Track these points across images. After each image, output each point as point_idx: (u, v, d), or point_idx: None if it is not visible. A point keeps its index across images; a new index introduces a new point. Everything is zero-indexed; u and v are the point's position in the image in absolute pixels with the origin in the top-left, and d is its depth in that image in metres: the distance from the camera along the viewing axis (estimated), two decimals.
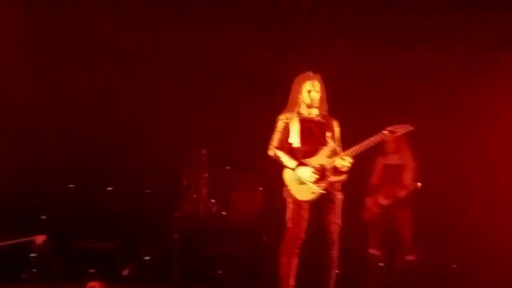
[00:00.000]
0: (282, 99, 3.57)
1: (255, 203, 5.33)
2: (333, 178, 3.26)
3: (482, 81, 5.62)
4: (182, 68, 5.86)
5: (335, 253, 3.23)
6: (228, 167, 5.69)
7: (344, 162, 3.22)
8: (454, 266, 5.30)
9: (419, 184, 4.24)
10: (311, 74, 3.44)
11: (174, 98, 5.81)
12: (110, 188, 5.78)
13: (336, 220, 3.27)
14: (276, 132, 3.44)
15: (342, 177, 3.29)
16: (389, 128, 3.28)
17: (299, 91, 3.43)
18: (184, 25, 5.19)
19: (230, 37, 5.35)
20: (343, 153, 3.27)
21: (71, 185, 5.71)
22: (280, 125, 3.44)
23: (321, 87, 3.43)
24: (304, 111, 3.46)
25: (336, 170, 3.29)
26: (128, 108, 5.76)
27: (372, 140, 3.25)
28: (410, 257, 4.42)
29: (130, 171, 5.72)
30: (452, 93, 5.80)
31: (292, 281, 3.20)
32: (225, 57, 5.69)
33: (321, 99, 3.42)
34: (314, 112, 3.46)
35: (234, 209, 5.36)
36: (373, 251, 4.55)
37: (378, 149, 4.46)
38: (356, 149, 3.23)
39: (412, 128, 3.36)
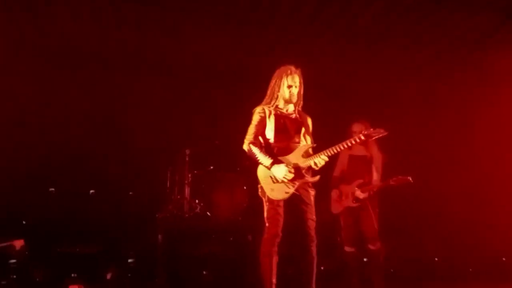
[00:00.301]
0: (262, 96, 3.55)
1: (239, 202, 5.32)
2: (309, 179, 3.30)
3: (460, 78, 5.74)
4: (163, 69, 5.83)
5: (314, 248, 3.26)
6: (212, 167, 5.68)
7: (320, 161, 3.25)
8: (436, 259, 5.41)
9: (410, 178, 4.16)
10: (292, 68, 3.44)
11: (156, 99, 5.79)
12: (92, 191, 5.70)
13: (312, 216, 3.31)
14: (252, 126, 3.43)
15: (316, 178, 3.33)
16: (365, 133, 3.36)
17: (279, 86, 3.43)
18: (166, 26, 5.17)
19: (213, 37, 5.35)
20: (319, 154, 3.29)
21: (51, 189, 5.61)
22: (255, 118, 3.43)
23: (300, 83, 3.44)
24: (281, 106, 3.46)
25: (309, 170, 3.32)
26: (110, 110, 5.72)
27: (347, 142, 3.31)
28: (373, 246, 4.31)
29: (112, 173, 5.66)
30: (429, 91, 5.91)
31: (274, 279, 3.22)
32: (208, 57, 5.69)
33: (298, 94, 3.43)
34: (291, 108, 3.47)
35: (218, 209, 5.33)
36: (348, 248, 4.44)
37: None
38: (332, 150, 3.27)
39: (386, 133, 3.42)
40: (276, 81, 3.45)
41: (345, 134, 4.39)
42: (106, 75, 5.71)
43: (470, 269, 5.13)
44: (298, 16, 4.92)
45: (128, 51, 5.62)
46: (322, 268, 4.80)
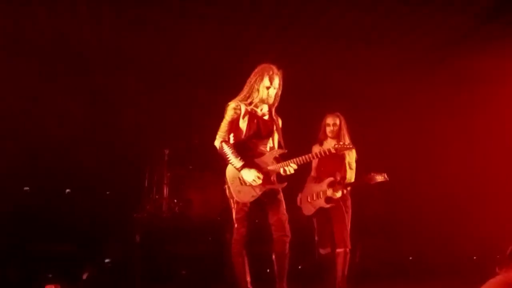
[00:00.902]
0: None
1: (218, 202, 5.32)
2: (276, 186, 3.32)
3: (438, 78, 5.87)
4: (142, 67, 5.77)
5: (287, 244, 3.28)
6: (191, 167, 5.66)
7: (290, 169, 3.27)
8: (410, 258, 5.54)
9: (385, 175, 3.96)
10: (274, 69, 3.38)
11: (135, 97, 5.72)
12: (68, 190, 5.60)
13: (284, 212, 3.32)
14: (225, 122, 3.36)
15: (283, 185, 3.36)
16: (336, 146, 3.44)
17: (258, 84, 3.37)
18: (145, 24, 5.11)
19: (193, 35, 5.31)
20: (289, 161, 3.30)
21: (26, 188, 5.49)
22: (230, 114, 3.36)
23: (280, 84, 3.40)
24: (257, 105, 3.41)
25: (279, 175, 3.34)
26: (87, 108, 5.62)
27: (318, 154, 3.40)
28: (341, 249, 4.05)
29: (89, 172, 5.57)
30: (407, 91, 6.03)
31: (248, 277, 3.25)
32: (187, 56, 5.65)
33: (276, 96, 3.39)
34: (265, 108, 3.43)
35: (197, 209, 5.33)
36: (323, 250, 4.27)
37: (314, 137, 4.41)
38: (301, 159, 3.30)
39: (352, 147, 3.60)
40: (256, 79, 3.38)
41: (319, 127, 4.37)
42: (82, 72, 5.61)
43: (443, 268, 5.26)
44: (279, 15, 4.95)
45: (106, 48, 5.54)
46: (299, 267, 4.85)
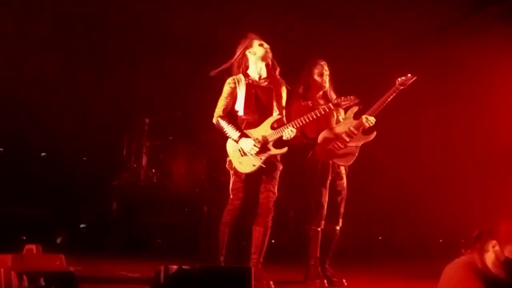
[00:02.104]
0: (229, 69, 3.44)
1: (197, 174, 5.36)
2: (274, 151, 3.28)
3: (423, 66, 5.95)
4: (125, 34, 5.64)
5: (269, 220, 3.30)
6: (171, 138, 5.64)
7: (290, 133, 3.23)
8: (380, 237, 5.74)
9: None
10: (258, 36, 3.38)
11: (118, 64, 5.60)
12: (43, 154, 5.52)
13: (273, 189, 3.33)
14: (222, 99, 3.36)
15: (283, 150, 3.30)
16: (334, 102, 3.36)
17: (248, 46, 3.34)
18: None
19: (178, 5, 5.21)
20: (286, 125, 3.26)
21: (0, 149, 5.37)
22: (226, 90, 3.36)
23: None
24: (253, 72, 3.38)
25: (278, 141, 3.29)
26: (67, 72, 5.47)
27: (316, 113, 3.31)
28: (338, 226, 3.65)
29: (66, 137, 5.49)
30: (391, 77, 6.10)
31: (224, 250, 3.27)
32: (171, 26, 5.55)
33: (271, 54, 3.34)
34: (264, 70, 3.38)
35: (175, 180, 5.35)
36: (318, 226, 3.55)
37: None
38: (299, 121, 3.27)
39: (357, 100, 3.42)
40: (245, 44, 3.36)
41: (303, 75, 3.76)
42: (63, 34, 5.44)
43: (410, 248, 5.47)
44: None
45: (89, 12, 5.38)
46: (273, 241, 4.96)
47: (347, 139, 3.48)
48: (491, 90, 5.56)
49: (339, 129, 3.55)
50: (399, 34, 5.57)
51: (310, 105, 3.52)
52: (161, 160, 5.46)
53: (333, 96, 3.68)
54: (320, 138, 3.53)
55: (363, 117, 3.48)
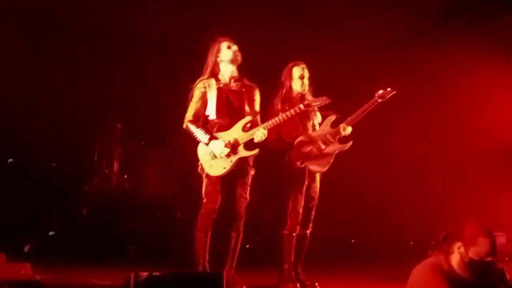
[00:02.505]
0: (198, 70, 3.45)
1: (170, 179, 5.31)
2: (245, 153, 3.27)
3: (390, 73, 6.08)
4: (96, 36, 5.56)
5: (241, 225, 3.31)
6: (143, 143, 5.58)
7: (260, 135, 3.22)
8: (353, 241, 5.81)
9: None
10: (227, 38, 3.37)
11: (89, 67, 5.50)
12: (11, 160, 5.36)
13: (244, 194, 3.33)
14: (192, 103, 3.34)
15: (254, 152, 3.29)
16: (305, 102, 3.34)
17: (218, 50, 3.33)
18: None
19: (147, 9, 5.17)
20: (258, 127, 3.26)
21: None
22: (196, 94, 3.34)
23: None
24: (224, 75, 3.36)
25: (249, 143, 3.28)
26: (35, 75, 5.34)
27: (287, 114, 3.31)
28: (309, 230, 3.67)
29: (34, 142, 5.34)
30: (361, 84, 6.22)
31: (207, 255, 3.26)
32: (144, 28, 5.51)
33: (240, 57, 3.34)
34: (235, 73, 3.37)
35: (148, 185, 5.29)
36: (292, 231, 3.54)
37: None
38: (271, 122, 3.27)
39: (329, 101, 3.40)
40: (215, 49, 3.35)
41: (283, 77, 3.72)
42: (32, 38, 5.31)
43: (382, 251, 5.56)
44: None
45: (59, 13, 5.27)
46: (247, 246, 4.95)
47: (323, 146, 3.51)
48: (458, 96, 5.74)
49: (315, 135, 3.58)
50: (371, 42, 5.69)
51: (287, 108, 3.52)
52: (133, 165, 5.39)
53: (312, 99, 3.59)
54: (296, 143, 3.56)
55: (341, 126, 3.52)
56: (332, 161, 3.57)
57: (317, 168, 3.57)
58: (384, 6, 5.00)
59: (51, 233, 4.88)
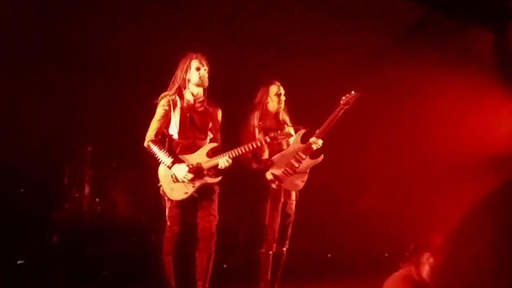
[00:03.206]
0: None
1: (143, 201, 5.22)
2: (208, 180, 3.26)
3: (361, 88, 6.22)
4: (64, 57, 5.49)
5: (212, 245, 3.28)
6: (115, 165, 5.49)
7: (225, 163, 3.21)
8: (329, 255, 5.83)
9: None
10: (198, 54, 3.34)
11: (57, 89, 5.41)
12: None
13: (213, 212, 3.30)
14: (154, 121, 3.28)
15: (217, 179, 3.28)
16: (271, 135, 3.37)
17: (185, 69, 3.28)
18: (71, 13, 4.87)
19: (118, 30, 5.16)
20: (222, 154, 3.23)
21: None
22: (159, 112, 3.28)
23: (208, 66, 3.33)
24: (189, 95, 3.31)
25: (213, 169, 3.27)
26: (2, 100, 5.21)
27: (253, 144, 3.33)
28: (285, 248, 3.72)
29: (2, 168, 5.18)
30: (335, 98, 6.34)
31: (175, 278, 3.22)
32: (113, 48, 5.47)
33: (207, 79, 3.32)
34: (200, 94, 3.33)
35: (121, 209, 5.19)
36: (268, 249, 3.60)
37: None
38: (235, 151, 3.27)
39: (292, 135, 3.50)
40: (183, 67, 3.31)
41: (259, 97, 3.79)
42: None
43: (359, 264, 5.60)
44: (214, 16, 4.97)
45: (29, 37, 5.18)
46: (224, 266, 4.90)
47: (296, 165, 3.54)
48: (428, 110, 5.91)
49: (287, 153, 3.60)
50: (341, 59, 5.83)
51: (261, 124, 3.55)
52: (105, 188, 5.28)
53: (286, 118, 3.72)
54: (269, 163, 3.56)
55: (311, 140, 3.56)
56: (306, 178, 3.61)
57: (293, 188, 3.61)
58: (350, 25, 5.14)
59: (19, 262, 4.71)
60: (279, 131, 3.43)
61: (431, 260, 2.16)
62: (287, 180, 3.55)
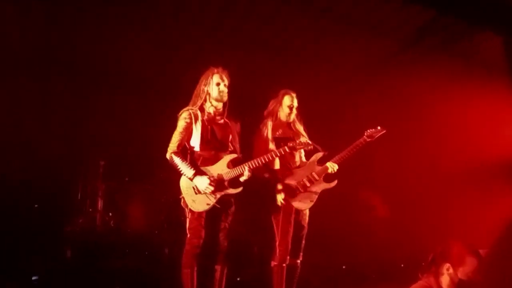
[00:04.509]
0: (183, 105, 3.47)
1: (156, 215, 5.22)
2: (230, 191, 3.26)
3: (363, 97, 6.19)
4: (77, 73, 5.56)
5: (225, 258, 3.29)
6: (127, 179, 5.51)
7: (246, 177, 3.23)
8: (344, 267, 5.75)
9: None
10: (220, 68, 3.40)
11: (68, 105, 5.47)
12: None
13: (228, 226, 3.32)
14: (176, 133, 3.31)
15: (238, 190, 3.28)
16: (290, 145, 3.36)
17: (206, 84, 3.34)
18: (82, 28, 4.93)
19: (132, 41, 5.20)
20: (242, 165, 3.25)
21: None
22: (180, 124, 3.31)
23: (228, 81, 3.38)
24: (209, 108, 3.37)
25: (234, 180, 3.29)
26: (14, 114, 5.27)
27: (272, 154, 3.34)
28: (299, 260, 3.67)
29: (15, 184, 5.22)
30: (336, 107, 6.30)
31: None
32: (125, 63, 5.53)
33: (228, 94, 3.37)
34: (220, 107, 3.37)
35: (134, 222, 5.19)
36: (282, 261, 3.49)
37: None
38: (255, 162, 3.27)
39: (311, 145, 3.47)
40: (205, 81, 3.36)
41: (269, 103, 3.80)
42: (9, 74, 5.26)
43: (374, 276, 5.51)
44: (220, 27, 5.01)
45: (37, 48, 5.25)
46: (238, 279, 4.86)
47: (308, 184, 3.51)
48: (434, 116, 5.86)
49: (301, 172, 3.57)
50: (345, 67, 5.83)
51: (277, 134, 3.53)
52: (118, 202, 5.29)
53: (300, 127, 3.71)
54: (281, 177, 3.53)
55: (328, 164, 3.54)
56: (316, 199, 3.57)
57: (300, 206, 3.57)
58: (356, 31, 5.13)
59: (34, 277, 4.72)
60: (297, 141, 3.42)
61: (451, 270, 2.10)
62: (296, 197, 3.52)
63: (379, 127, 3.56)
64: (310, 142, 3.49)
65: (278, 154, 3.36)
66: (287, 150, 3.36)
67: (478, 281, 2.02)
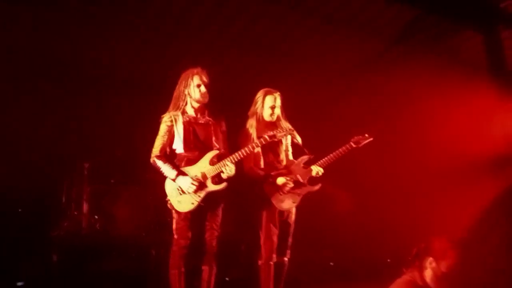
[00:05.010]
0: (167, 105, 3.46)
1: (142, 217, 5.19)
2: (212, 187, 3.24)
3: (351, 98, 6.25)
4: (61, 74, 5.50)
5: (214, 258, 3.28)
6: (113, 180, 5.47)
7: (227, 169, 3.21)
8: (331, 263, 5.81)
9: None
10: (199, 68, 3.38)
11: (52, 107, 5.41)
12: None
13: (215, 227, 3.31)
14: (158, 137, 3.32)
15: (222, 186, 3.26)
16: (270, 133, 3.33)
17: (186, 85, 3.32)
18: (66, 31, 4.88)
19: (118, 44, 5.16)
20: (224, 160, 3.24)
21: None
22: (163, 128, 3.32)
23: (208, 82, 3.37)
24: (190, 109, 3.37)
25: (217, 177, 3.27)
26: None
27: (253, 145, 3.33)
28: (286, 257, 3.69)
29: None
30: (323, 110, 6.35)
31: None
32: (109, 65, 5.49)
33: (208, 94, 3.36)
34: (201, 111, 3.37)
35: (120, 225, 5.15)
36: (269, 259, 3.51)
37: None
38: (237, 155, 3.27)
39: (293, 131, 3.49)
40: (184, 83, 3.34)
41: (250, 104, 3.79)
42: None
43: (361, 271, 5.57)
44: (207, 27, 5.01)
45: (21, 49, 5.18)
46: (227, 279, 4.87)
47: (292, 185, 3.53)
48: (420, 114, 5.93)
49: (285, 173, 3.58)
50: (331, 67, 5.87)
51: (258, 133, 3.52)
52: (104, 205, 5.25)
53: (287, 125, 3.65)
54: (266, 179, 3.54)
55: (313, 167, 3.56)
56: (298, 201, 3.58)
57: (283, 206, 3.58)
58: (343, 31, 5.18)
59: (19, 283, 4.66)
60: (277, 129, 3.39)
61: (434, 264, 2.14)
62: (279, 197, 3.53)
63: (366, 135, 3.60)
64: (292, 129, 3.47)
65: (259, 144, 3.34)
66: (267, 139, 3.32)
67: (460, 271, 2.07)
